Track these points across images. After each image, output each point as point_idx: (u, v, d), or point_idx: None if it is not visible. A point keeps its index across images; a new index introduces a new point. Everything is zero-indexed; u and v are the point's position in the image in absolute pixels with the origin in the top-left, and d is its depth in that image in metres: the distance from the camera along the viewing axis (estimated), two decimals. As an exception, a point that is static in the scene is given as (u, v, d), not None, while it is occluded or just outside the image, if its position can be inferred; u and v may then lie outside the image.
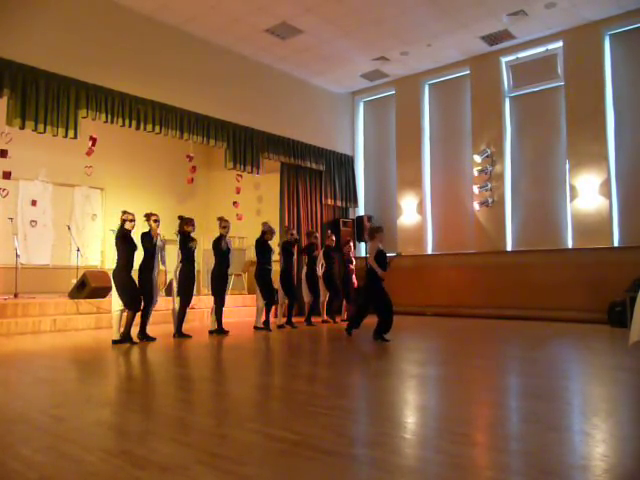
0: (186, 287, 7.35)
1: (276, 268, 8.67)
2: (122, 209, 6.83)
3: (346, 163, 12.63)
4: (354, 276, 10.30)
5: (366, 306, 7.12)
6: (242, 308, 10.45)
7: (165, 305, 9.47)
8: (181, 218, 7.46)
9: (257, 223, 11.69)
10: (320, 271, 9.55)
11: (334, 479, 2.31)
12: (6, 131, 7.37)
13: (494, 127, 10.70)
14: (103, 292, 8.59)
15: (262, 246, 8.35)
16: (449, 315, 10.60)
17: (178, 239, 7.42)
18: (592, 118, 9.48)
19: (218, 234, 7.96)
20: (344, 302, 10.21)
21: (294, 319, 8.96)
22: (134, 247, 6.67)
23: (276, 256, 8.66)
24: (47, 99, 7.49)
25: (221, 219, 8.00)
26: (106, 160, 10.66)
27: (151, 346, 6.70)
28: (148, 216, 7.08)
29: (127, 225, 6.63)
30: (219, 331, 7.65)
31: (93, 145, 8.31)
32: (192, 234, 7.53)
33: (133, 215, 6.69)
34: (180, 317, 7.34)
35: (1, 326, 7.35)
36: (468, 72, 11.14)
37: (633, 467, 2.49)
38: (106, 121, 8.17)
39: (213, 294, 7.80)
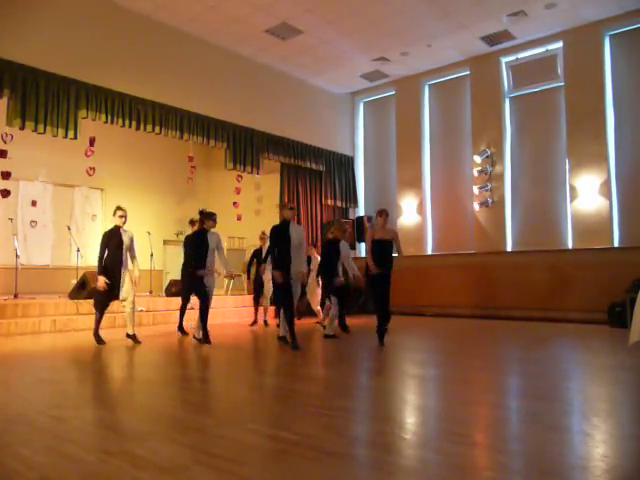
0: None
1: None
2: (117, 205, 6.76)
3: (346, 163, 12.63)
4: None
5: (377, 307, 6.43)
6: (242, 309, 10.44)
7: (166, 305, 9.48)
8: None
9: (257, 223, 11.72)
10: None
11: (334, 479, 2.31)
12: (7, 131, 7.37)
13: (494, 127, 10.70)
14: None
15: (333, 247, 7.21)
16: (449, 315, 10.60)
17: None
18: (592, 118, 9.48)
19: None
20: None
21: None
22: (121, 244, 6.58)
23: None
24: (47, 99, 7.49)
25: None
26: (106, 160, 10.67)
27: (150, 347, 6.70)
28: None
29: (118, 221, 6.57)
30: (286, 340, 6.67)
31: (91, 145, 8.31)
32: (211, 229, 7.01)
33: (124, 211, 6.65)
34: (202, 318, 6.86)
35: (1, 326, 7.35)
36: (468, 72, 11.14)
37: (633, 467, 2.49)
38: (106, 121, 8.18)
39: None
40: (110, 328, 7.81)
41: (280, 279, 5.97)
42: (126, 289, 6.60)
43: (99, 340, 6.50)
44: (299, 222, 11.31)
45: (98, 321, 6.56)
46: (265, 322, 9.23)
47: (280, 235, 6.13)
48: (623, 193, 9.32)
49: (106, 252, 6.52)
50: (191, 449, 2.67)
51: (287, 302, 6.15)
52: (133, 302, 6.72)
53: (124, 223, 6.61)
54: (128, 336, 6.75)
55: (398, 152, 12.12)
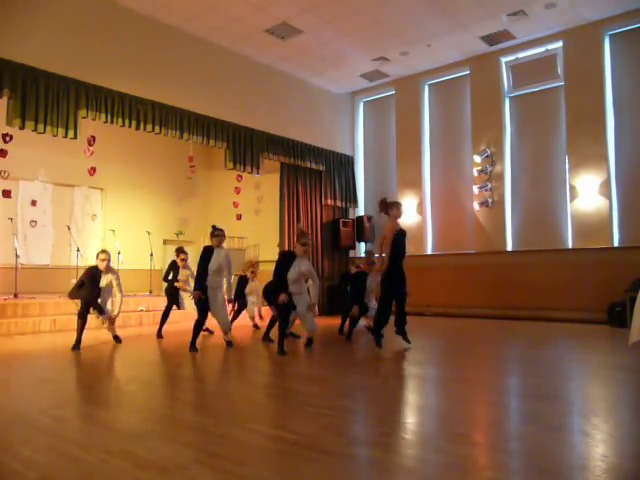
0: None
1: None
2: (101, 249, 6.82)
3: (346, 163, 12.63)
4: None
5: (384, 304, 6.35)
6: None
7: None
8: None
9: (257, 223, 11.72)
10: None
11: (334, 479, 2.31)
12: (7, 131, 7.38)
13: (494, 127, 10.69)
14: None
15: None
16: (449, 315, 10.60)
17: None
18: (592, 118, 9.48)
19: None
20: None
21: None
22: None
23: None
24: (47, 99, 7.49)
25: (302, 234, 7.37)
26: (106, 160, 10.67)
27: (150, 347, 6.70)
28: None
29: (100, 264, 6.53)
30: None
31: (90, 145, 8.32)
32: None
33: (107, 254, 6.65)
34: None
35: (1, 326, 7.35)
36: (468, 72, 11.14)
37: (633, 467, 2.49)
38: (106, 121, 8.17)
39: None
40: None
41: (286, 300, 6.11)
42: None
43: (78, 346, 6.20)
44: (299, 220, 11.27)
45: (82, 327, 6.32)
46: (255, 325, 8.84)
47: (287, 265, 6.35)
48: (623, 193, 9.32)
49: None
50: (191, 449, 2.67)
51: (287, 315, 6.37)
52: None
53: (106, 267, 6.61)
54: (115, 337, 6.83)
55: (398, 152, 12.12)
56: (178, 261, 7.88)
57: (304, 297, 6.46)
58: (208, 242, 6.67)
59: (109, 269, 6.64)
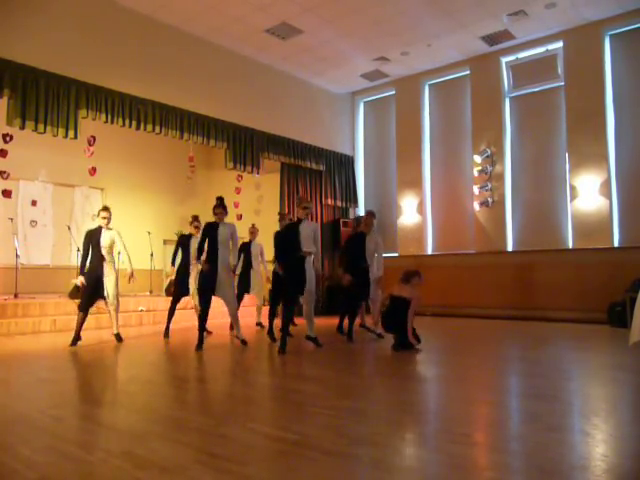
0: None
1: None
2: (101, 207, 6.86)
3: (346, 163, 12.63)
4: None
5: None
6: (241, 308, 10.40)
7: (166, 305, 9.45)
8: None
9: (257, 223, 11.66)
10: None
11: (334, 479, 2.31)
12: (7, 131, 7.38)
13: (494, 127, 10.69)
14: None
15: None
16: (449, 315, 10.60)
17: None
18: (592, 118, 9.48)
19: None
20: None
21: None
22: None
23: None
24: (47, 99, 7.49)
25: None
26: (106, 160, 10.65)
27: (150, 347, 6.70)
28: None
29: (102, 222, 6.63)
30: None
31: (91, 145, 8.32)
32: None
33: (110, 211, 6.71)
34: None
35: (1, 326, 7.35)
36: (468, 72, 11.14)
37: (633, 467, 2.49)
38: (106, 121, 8.17)
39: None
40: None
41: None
42: (109, 287, 6.65)
43: (75, 342, 6.39)
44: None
45: (82, 322, 6.49)
46: (260, 324, 8.92)
47: (284, 235, 6.29)
48: (623, 193, 9.32)
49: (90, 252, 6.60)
50: (191, 449, 2.67)
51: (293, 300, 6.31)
52: (116, 301, 6.74)
53: (107, 224, 6.67)
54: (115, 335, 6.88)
55: (398, 152, 12.12)
56: (191, 229, 7.82)
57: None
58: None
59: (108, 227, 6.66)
